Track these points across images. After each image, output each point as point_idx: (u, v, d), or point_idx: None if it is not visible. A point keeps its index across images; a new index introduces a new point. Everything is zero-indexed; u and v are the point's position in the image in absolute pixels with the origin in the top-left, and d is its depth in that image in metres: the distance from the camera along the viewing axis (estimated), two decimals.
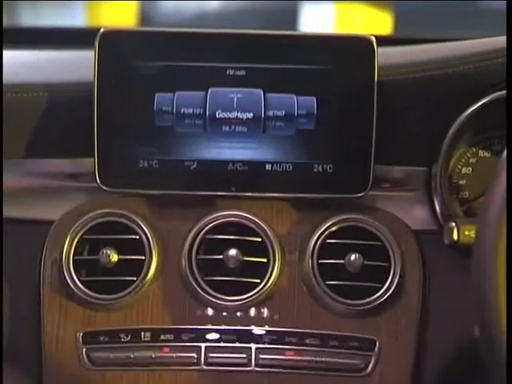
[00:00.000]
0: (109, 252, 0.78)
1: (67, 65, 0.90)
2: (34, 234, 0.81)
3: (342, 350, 0.79)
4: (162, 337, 0.79)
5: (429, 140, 0.81)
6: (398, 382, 0.79)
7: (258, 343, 0.79)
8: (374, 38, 0.77)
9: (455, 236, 0.73)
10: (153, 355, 0.78)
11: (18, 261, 0.80)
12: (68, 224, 0.80)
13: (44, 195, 0.83)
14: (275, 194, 0.80)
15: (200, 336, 0.79)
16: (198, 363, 0.78)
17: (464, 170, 0.84)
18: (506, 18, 0.75)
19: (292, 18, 1.72)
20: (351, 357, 0.79)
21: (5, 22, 1.15)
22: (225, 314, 0.80)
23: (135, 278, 0.78)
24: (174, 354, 0.78)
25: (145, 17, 1.79)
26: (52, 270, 0.80)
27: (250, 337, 0.79)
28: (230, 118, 0.78)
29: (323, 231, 0.79)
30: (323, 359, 0.78)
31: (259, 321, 0.79)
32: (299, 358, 0.79)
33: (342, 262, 0.78)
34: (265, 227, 0.80)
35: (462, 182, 0.84)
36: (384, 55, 0.77)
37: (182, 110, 0.77)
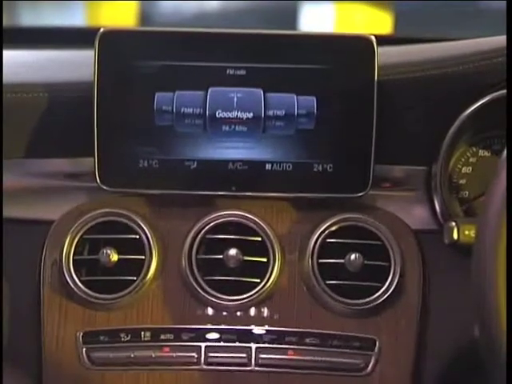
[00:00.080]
0: (109, 252, 0.78)
1: (67, 65, 0.90)
2: (34, 234, 0.81)
3: (342, 350, 0.79)
4: (162, 336, 0.79)
5: (429, 139, 0.81)
6: (397, 382, 0.79)
7: (258, 343, 0.79)
8: (374, 38, 0.76)
9: (455, 236, 0.73)
10: (153, 355, 0.78)
11: (17, 261, 0.80)
12: (68, 224, 0.80)
13: (44, 195, 0.83)
14: (275, 194, 0.80)
15: (200, 336, 0.79)
16: (198, 363, 0.78)
17: (464, 170, 0.84)
18: (506, 18, 0.75)
19: (292, 18, 1.72)
20: (351, 356, 0.79)
21: (5, 22, 1.15)
22: (225, 313, 0.80)
23: (135, 278, 0.78)
24: (174, 354, 0.78)
25: (145, 17, 1.79)
26: (52, 270, 0.80)
27: (250, 336, 0.79)
28: (230, 118, 0.78)
29: (323, 231, 0.79)
30: (323, 359, 0.78)
31: (259, 320, 0.79)
32: (299, 357, 0.79)
33: (342, 261, 0.78)
34: (265, 227, 0.80)
35: (462, 181, 0.84)
36: (384, 55, 0.77)
37: (182, 110, 0.77)
